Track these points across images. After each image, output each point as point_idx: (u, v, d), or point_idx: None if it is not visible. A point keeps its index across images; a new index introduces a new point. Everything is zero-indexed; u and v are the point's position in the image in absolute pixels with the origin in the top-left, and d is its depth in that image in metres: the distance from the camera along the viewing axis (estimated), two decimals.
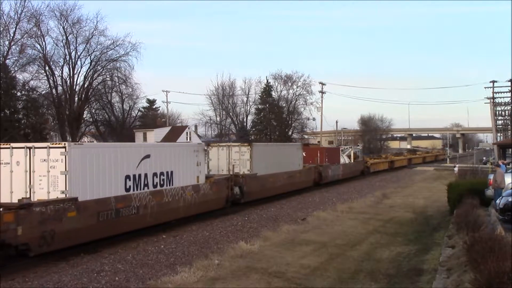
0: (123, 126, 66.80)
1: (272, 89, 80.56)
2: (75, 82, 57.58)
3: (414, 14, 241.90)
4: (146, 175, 19.36)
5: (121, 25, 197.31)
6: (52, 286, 13.25)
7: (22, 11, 50.25)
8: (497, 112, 65.16)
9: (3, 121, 42.76)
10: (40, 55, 53.15)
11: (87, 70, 58.21)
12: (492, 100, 64.86)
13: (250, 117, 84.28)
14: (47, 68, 54.46)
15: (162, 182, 20.34)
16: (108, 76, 60.89)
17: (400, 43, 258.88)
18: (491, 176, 22.44)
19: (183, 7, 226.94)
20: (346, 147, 59.52)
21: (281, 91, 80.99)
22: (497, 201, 18.34)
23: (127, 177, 18.38)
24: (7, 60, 48.84)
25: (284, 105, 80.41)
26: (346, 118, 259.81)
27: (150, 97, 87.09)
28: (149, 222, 19.53)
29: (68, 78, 57.00)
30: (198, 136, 77.72)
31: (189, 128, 74.31)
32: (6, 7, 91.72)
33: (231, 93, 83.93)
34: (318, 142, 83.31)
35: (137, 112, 74.98)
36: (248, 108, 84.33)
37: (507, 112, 65.06)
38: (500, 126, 65.75)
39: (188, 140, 63.98)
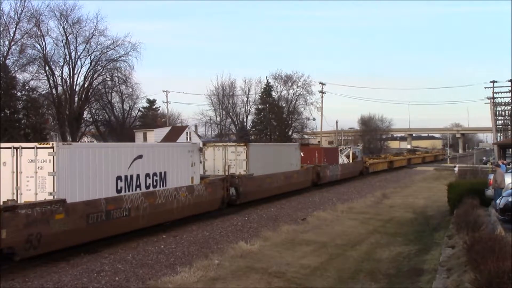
0: (123, 126, 66.80)
1: (272, 89, 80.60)
2: (75, 82, 57.63)
3: (414, 14, 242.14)
4: (138, 176, 18.89)
5: (121, 25, 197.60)
6: (52, 286, 13.26)
7: (22, 11, 50.27)
8: (497, 112, 65.17)
9: (3, 121, 42.75)
10: (40, 55, 53.17)
11: (87, 70, 58.26)
12: (492, 100, 64.89)
13: (250, 117, 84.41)
14: (47, 68, 54.47)
15: (155, 183, 19.88)
16: (108, 76, 60.92)
17: (400, 43, 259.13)
18: (491, 176, 22.44)
19: (183, 7, 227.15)
20: (344, 147, 58.90)
21: (281, 91, 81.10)
22: (497, 201, 18.34)
23: (119, 178, 17.92)
24: (7, 60, 48.83)
25: (284, 105, 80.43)
26: (346, 118, 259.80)
27: (150, 97, 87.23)
28: (142, 224, 19.06)
29: (68, 78, 57.05)
30: (198, 136, 77.72)
31: (189, 128, 74.33)
32: (6, 7, 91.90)
33: (231, 93, 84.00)
34: (318, 142, 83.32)
35: (137, 112, 75.09)
36: (248, 108, 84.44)
37: (507, 112, 65.09)
38: (500, 126, 65.76)
39: (188, 140, 63.97)
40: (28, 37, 51.45)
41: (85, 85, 58.13)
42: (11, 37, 49.61)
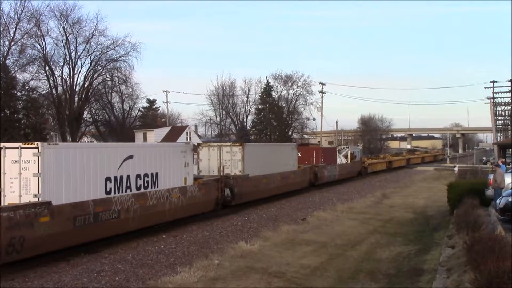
0: (123, 126, 66.82)
1: (272, 89, 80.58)
2: (75, 82, 57.64)
3: (414, 14, 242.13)
4: (128, 177, 18.42)
5: (121, 25, 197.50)
6: (52, 286, 13.26)
7: (22, 11, 50.28)
8: (497, 112, 65.10)
9: (3, 121, 42.74)
10: (40, 55, 53.19)
11: (87, 70, 58.28)
12: (492, 100, 64.83)
13: (250, 117, 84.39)
14: (47, 68, 54.48)
15: (146, 184, 19.41)
16: (108, 76, 60.94)
17: (400, 43, 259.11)
18: (491, 176, 22.44)
19: (183, 7, 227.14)
20: (343, 147, 58.37)
21: (281, 91, 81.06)
22: (497, 201, 18.34)
23: (108, 179, 17.45)
24: (7, 60, 48.84)
25: (284, 105, 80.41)
26: (346, 118, 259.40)
27: (150, 97, 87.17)
28: (132, 226, 18.61)
29: (68, 78, 57.07)
30: (198, 136, 77.77)
31: (189, 128, 74.36)
32: (6, 7, 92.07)
33: (231, 93, 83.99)
34: (318, 142, 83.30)
35: (137, 112, 75.10)
36: (248, 108, 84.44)
37: (507, 112, 65.01)
38: (500, 126, 65.68)
39: (188, 140, 63.94)
40: (28, 37, 51.52)
41: (85, 85, 58.17)
42: (11, 37, 49.68)
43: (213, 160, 28.01)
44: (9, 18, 49.35)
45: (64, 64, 56.53)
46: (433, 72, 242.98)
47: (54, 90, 55.79)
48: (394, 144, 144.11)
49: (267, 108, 79.31)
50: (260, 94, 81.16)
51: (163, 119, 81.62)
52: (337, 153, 49.43)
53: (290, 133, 79.86)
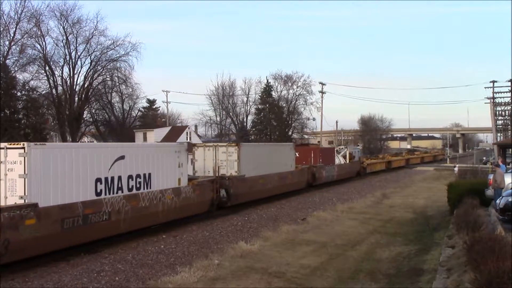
0: (123, 126, 66.83)
1: (272, 89, 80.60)
2: (75, 82, 57.67)
3: (414, 14, 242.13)
4: (120, 178, 17.94)
5: (121, 25, 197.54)
6: (52, 286, 13.26)
7: (22, 11, 50.32)
8: (497, 112, 65.07)
9: (3, 121, 42.77)
10: (40, 55, 53.21)
11: (87, 70, 58.31)
12: (492, 100, 64.80)
13: (250, 117, 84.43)
14: (47, 68, 54.51)
15: (138, 185, 18.90)
16: (108, 76, 60.97)
17: (400, 43, 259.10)
18: (491, 176, 22.44)
19: (183, 7, 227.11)
20: (341, 147, 57.89)
21: (281, 91, 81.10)
22: (497, 201, 18.33)
23: (98, 180, 16.99)
24: (7, 60, 48.88)
25: (284, 105, 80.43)
26: (346, 118, 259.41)
27: (150, 97, 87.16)
28: (123, 228, 18.17)
29: (68, 78, 57.10)
30: (198, 136, 77.76)
31: (189, 128, 74.33)
32: (6, 7, 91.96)
33: (231, 93, 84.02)
34: (318, 142, 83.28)
35: (137, 112, 75.11)
36: (248, 108, 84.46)
37: (507, 112, 64.99)
38: (500, 126, 65.65)
39: (188, 140, 63.93)
40: (28, 37, 51.56)
41: (85, 85, 58.20)
42: (11, 37, 49.71)
43: (208, 161, 27.66)
44: (9, 18, 49.44)
45: (64, 64, 56.62)
46: (433, 72, 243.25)
47: (54, 90, 55.82)
48: (394, 144, 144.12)
49: (267, 108, 79.32)
50: (260, 94, 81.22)
51: (163, 119, 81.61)
52: (335, 153, 48.98)
53: (290, 133, 79.88)
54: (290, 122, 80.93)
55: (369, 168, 58.99)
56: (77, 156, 16.31)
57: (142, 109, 79.70)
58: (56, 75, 56.08)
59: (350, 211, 27.71)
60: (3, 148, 14.79)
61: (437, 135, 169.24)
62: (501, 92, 65.20)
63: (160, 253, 17.08)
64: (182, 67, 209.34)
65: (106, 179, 17.36)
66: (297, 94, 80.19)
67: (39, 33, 52.58)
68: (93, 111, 64.00)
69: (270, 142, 64.77)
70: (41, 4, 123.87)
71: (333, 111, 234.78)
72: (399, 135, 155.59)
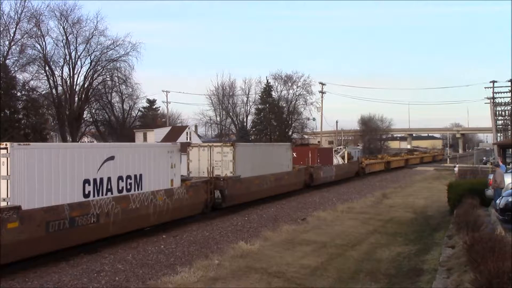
0: (123, 126, 66.86)
1: (272, 89, 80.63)
2: (75, 82, 57.75)
3: (414, 14, 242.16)
4: (109, 179, 17.44)
5: (121, 25, 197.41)
6: (52, 286, 13.27)
7: (22, 11, 50.41)
8: (497, 112, 65.04)
9: (3, 121, 42.79)
10: (40, 55, 53.28)
11: (87, 70, 58.40)
12: (492, 100, 64.78)
13: (250, 117, 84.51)
14: (47, 68, 54.58)
15: (129, 187, 18.41)
16: (108, 76, 61.06)
17: (400, 43, 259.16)
18: (491, 176, 22.44)
19: (183, 7, 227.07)
20: (340, 147, 57.49)
21: (281, 91, 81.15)
22: (497, 201, 18.33)
23: (86, 181, 16.50)
24: (7, 60, 48.94)
25: (284, 105, 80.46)
26: (346, 118, 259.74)
27: (150, 97, 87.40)
28: (113, 231, 17.67)
29: (68, 78, 57.17)
30: (198, 136, 77.78)
31: (189, 128, 74.36)
32: (6, 7, 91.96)
33: (231, 93, 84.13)
34: (318, 142, 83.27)
35: (137, 112, 75.19)
36: (248, 108, 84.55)
37: (507, 112, 64.95)
38: (500, 126, 65.62)
39: (189, 140, 63.95)
40: (28, 37, 51.65)
41: (85, 85, 58.27)
42: (11, 37, 49.78)
43: (203, 161, 27.17)
44: (9, 18, 49.51)
45: (64, 64, 56.70)
46: (433, 72, 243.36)
47: (54, 90, 55.87)
48: (394, 144, 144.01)
49: (267, 108, 79.35)
50: (260, 94, 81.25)
51: (163, 119, 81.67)
52: (333, 153, 48.46)
53: (290, 133, 79.90)
54: (290, 122, 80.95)
55: (368, 168, 58.64)
56: (64, 156, 15.79)
57: (142, 109, 79.84)
58: (56, 75, 56.23)
59: (350, 211, 27.70)
60: None
61: (437, 135, 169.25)
62: (501, 92, 65.20)
63: (160, 253, 17.08)
64: (182, 67, 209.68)
65: (94, 180, 16.87)
66: (297, 94, 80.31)
67: (39, 33, 52.72)
68: (93, 111, 64.08)
69: (270, 142, 64.71)
70: (41, 4, 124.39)
71: (333, 111, 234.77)
72: (399, 135, 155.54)
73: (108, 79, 61.23)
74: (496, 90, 65.38)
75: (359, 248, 18.33)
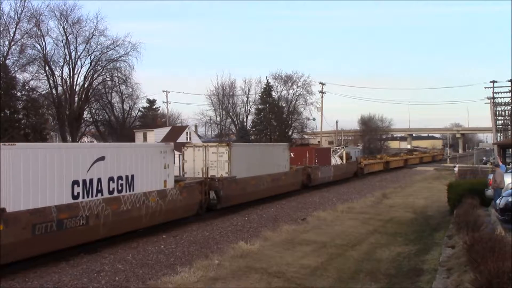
0: (123, 126, 66.84)
1: (272, 89, 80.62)
2: (75, 82, 57.70)
3: (414, 14, 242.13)
4: (99, 180, 17.02)
5: (121, 25, 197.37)
6: (52, 286, 13.28)
7: (22, 11, 50.33)
8: (497, 112, 65.02)
9: (3, 121, 42.77)
10: (40, 55, 53.22)
11: (87, 70, 58.33)
12: (492, 100, 64.76)
13: (250, 117, 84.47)
14: (47, 68, 54.52)
15: (120, 188, 17.97)
16: (108, 76, 60.99)
17: (400, 43, 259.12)
18: (491, 176, 22.44)
19: (183, 7, 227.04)
20: (338, 147, 56.87)
21: (281, 91, 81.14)
22: (497, 201, 18.34)
23: (75, 182, 16.04)
24: (7, 60, 48.88)
25: (284, 105, 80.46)
26: (346, 118, 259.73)
27: (150, 97, 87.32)
28: (103, 233, 17.26)
29: (68, 78, 57.11)
30: (198, 136, 77.77)
31: (189, 128, 74.34)
32: (6, 7, 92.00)
33: (231, 93, 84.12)
34: (318, 142, 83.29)
35: (137, 112, 75.15)
36: (248, 108, 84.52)
37: (507, 112, 64.94)
38: (500, 126, 65.61)
39: (188, 140, 63.94)
40: (28, 37, 51.56)
41: (85, 85, 58.22)
42: (11, 37, 49.72)
43: (198, 161, 26.68)
44: (9, 18, 49.43)
45: (64, 64, 56.63)
46: (433, 72, 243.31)
47: (54, 90, 55.83)
48: (394, 144, 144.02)
49: (267, 108, 79.34)
50: (260, 94, 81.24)
51: (163, 119, 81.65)
52: (331, 153, 47.96)
53: (290, 133, 79.89)
54: (290, 122, 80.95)
55: (367, 168, 58.25)
56: (52, 157, 15.33)
57: (142, 109, 79.82)
58: (56, 75, 56.16)
59: (350, 211, 27.71)
60: None
61: (437, 135, 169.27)
62: (501, 92, 65.17)
63: (160, 253, 17.09)
64: (182, 67, 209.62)
65: (84, 181, 16.42)
66: (297, 94, 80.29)
67: (39, 33, 52.64)
68: (93, 111, 64.04)
69: (270, 142, 64.70)
70: (41, 4, 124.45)
71: (333, 111, 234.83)
72: (399, 135, 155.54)
73: (108, 79, 61.23)
74: (496, 90, 65.37)
75: (359, 248, 18.33)
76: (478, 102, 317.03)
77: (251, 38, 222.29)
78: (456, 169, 49.18)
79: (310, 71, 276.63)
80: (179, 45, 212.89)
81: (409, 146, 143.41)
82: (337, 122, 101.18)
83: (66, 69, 56.84)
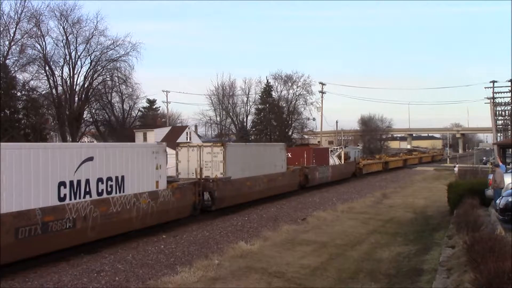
0: (123, 126, 66.82)
1: (272, 89, 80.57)
2: (75, 82, 57.61)
3: (414, 14, 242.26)
4: (88, 181, 16.50)
5: (121, 25, 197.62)
6: (52, 286, 13.28)
7: (22, 11, 50.25)
8: (497, 112, 64.97)
9: (3, 121, 42.75)
10: (40, 55, 53.15)
11: (87, 70, 58.24)
12: (492, 100, 64.73)
13: (250, 117, 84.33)
14: (47, 68, 54.45)
15: (109, 189, 17.47)
16: (108, 76, 60.92)
17: (400, 43, 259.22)
18: (491, 176, 22.44)
19: (183, 7, 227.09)
20: (336, 147, 56.48)
21: (281, 91, 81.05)
22: (497, 201, 18.34)
23: (62, 184, 15.51)
24: (7, 60, 48.83)
25: (284, 105, 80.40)
26: (346, 118, 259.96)
27: (150, 97, 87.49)
28: (91, 236, 16.77)
29: (68, 78, 57.03)
30: (198, 136, 77.76)
31: (189, 128, 74.33)
32: (6, 7, 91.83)
33: (231, 93, 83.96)
34: (318, 142, 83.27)
35: (137, 112, 75.11)
36: (248, 108, 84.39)
37: (507, 112, 64.90)
38: (500, 126, 65.57)
39: (188, 140, 63.97)
40: (28, 37, 51.48)
41: (85, 85, 58.15)
42: (11, 37, 49.64)
43: (192, 162, 26.13)
44: (9, 18, 49.36)
45: (64, 64, 56.53)
46: (433, 72, 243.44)
47: (54, 90, 55.75)
48: (394, 144, 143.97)
49: (267, 108, 79.31)
50: (260, 94, 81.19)
51: (163, 119, 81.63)
52: (329, 153, 47.43)
53: (290, 133, 79.87)
54: (290, 122, 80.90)
55: (366, 169, 57.92)
56: (37, 157, 14.81)
57: (142, 109, 79.82)
58: (56, 75, 56.06)
59: (350, 211, 27.71)
60: None
61: (437, 135, 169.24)
62: (501, 92, 65.10)
63: (160, 253, 17.09)
64: (182, 67, 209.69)
65: (71, 182, 15.90)
66: (297, 94, 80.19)
67: (39, 33, 52.54)
68: (93, 111, 63.97)
69: (270, 142, 64.68)
70: (41, 4, 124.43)
71: (333, 111, 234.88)
72: (399, 135, 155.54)
73: (108, 79, 61.15)
74: (496, 90, 65.30)
75: (359, 248, 18.34)
76: (478, 102, 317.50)
77: (251, 38, 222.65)
78: (456, 169, 49.21)
79: (310, 71, 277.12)
80: (179, 45, 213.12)
81: (409, 146, 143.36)
82: (337, 122, 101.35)
83: (66, 69, 56.82)
